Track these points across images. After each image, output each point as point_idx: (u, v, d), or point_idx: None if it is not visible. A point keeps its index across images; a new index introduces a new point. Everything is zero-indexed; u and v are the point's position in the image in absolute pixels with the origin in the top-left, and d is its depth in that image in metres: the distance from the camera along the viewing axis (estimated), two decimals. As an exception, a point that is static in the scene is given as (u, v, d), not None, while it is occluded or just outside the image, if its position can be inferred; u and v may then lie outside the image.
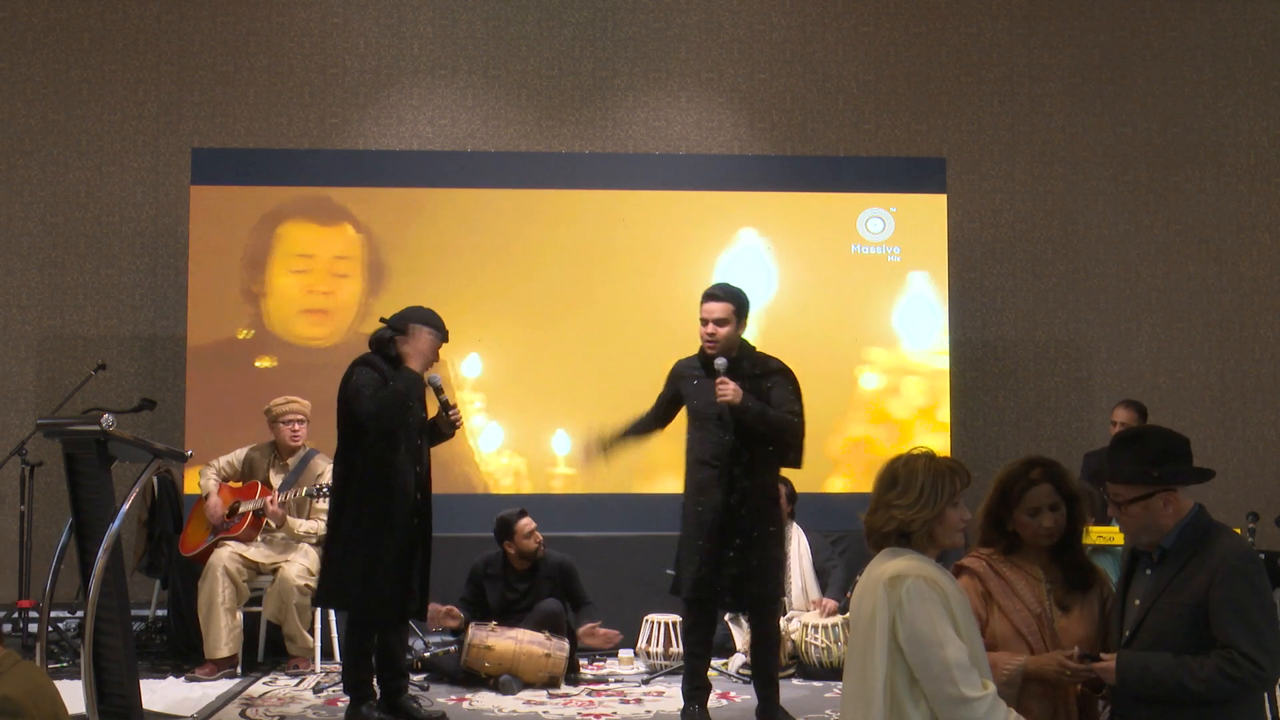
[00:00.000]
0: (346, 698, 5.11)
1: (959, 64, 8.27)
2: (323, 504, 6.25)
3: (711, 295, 4.98)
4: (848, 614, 6.15)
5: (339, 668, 6.08)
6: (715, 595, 4.96)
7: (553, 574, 6.20)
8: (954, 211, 7.68)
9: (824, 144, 8.13)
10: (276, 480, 6.30)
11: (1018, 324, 8.19)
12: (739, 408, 4.82)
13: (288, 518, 6.19)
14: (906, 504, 2.88)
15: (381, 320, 5.11)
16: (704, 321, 4.95)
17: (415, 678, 5.74)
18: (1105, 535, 6.33)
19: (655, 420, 5.22)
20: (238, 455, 6.43)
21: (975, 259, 8.12)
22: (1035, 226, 8.22)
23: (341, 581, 4.94)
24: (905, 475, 2.91)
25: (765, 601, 5.05)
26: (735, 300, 4.97)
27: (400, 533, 4.94)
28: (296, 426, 6.32)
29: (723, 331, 4.93)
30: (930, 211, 7.38)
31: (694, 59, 8.17)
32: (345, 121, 8.05)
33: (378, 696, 5.08)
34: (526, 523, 6.13)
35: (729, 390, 4.80)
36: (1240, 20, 8.34)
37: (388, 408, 4.84)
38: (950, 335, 7.43)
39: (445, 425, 5.17)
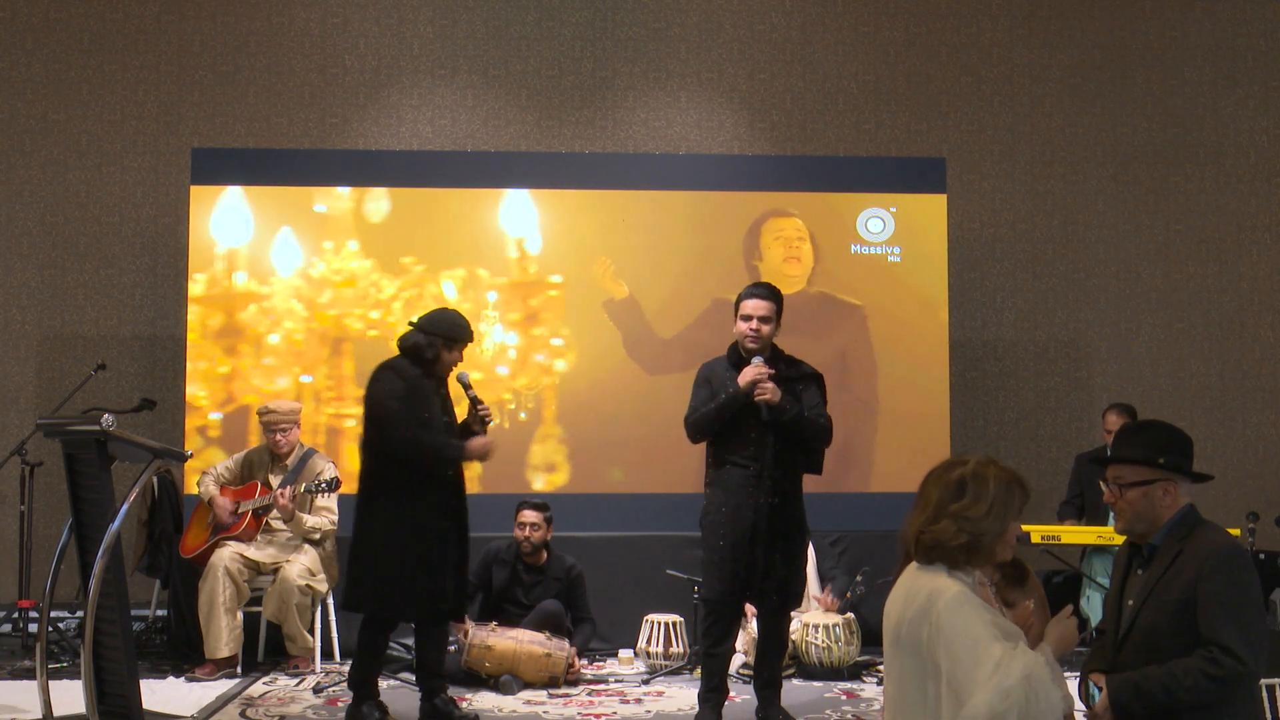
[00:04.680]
0: (345, 698, 5.10)
1: (959, 64, 8.27)
2: (323, 500, 6.27)
3: (756, 294, 4.98)
4: (848, 614, 6.17)
5: (339, 668, 6.10)
6: (761, 597, 4.95)
7: (561, 576, 6.25)
8: (954, 211, 7.68)
9: (824, 144, 8.13)
10: (275, 481, 6.30)
11: (1017, 324, 8.19)
12: (777, 407, 4.82)
13: (296, 512, 6.18)
14: (979, 515, 2.67)
15: (411, 324, 5.13)
16: (747, 318, 4.94)
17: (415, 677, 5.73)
18: (1104, 535, 6.34)
19: None
20: (235, 459, 6.44)
21: (975, 259, 8.12)
22: (1035, 226, 8.22)
23: (372, 584, 4.93)
24: (975, 484, 2.69)
25: (797, 603, 5.10)
26: (778, 300, 5.00)
27: (433, 534, 4.94)
28: (278, 437, 6.31)
29: (766, 329, 4.93)
30: (930, 211, 7.38)
31: (694, 59, 8.17)
32: (345, 121, 8.05)
33: (379, 697, 5.08)
34: (525, 514, 6.20)
35: (769, 389, 4.80)
36: (1240, 20, 8.34)
37: (416, 452, 4.91)
38: (950, 335, 7.42)
39: (476, 423, 5.17)
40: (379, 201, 7.25)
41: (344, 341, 7.15)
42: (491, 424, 5.24)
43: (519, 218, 7.29)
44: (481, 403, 5.18)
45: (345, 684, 5.72)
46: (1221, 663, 2.81)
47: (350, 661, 6.24)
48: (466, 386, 5.16)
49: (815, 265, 7.32)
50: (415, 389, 4.95)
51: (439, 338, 5.02)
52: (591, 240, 7.30)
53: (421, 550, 4.91)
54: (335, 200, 7.22)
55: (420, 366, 5.00)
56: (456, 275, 7.21)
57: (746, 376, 4.83)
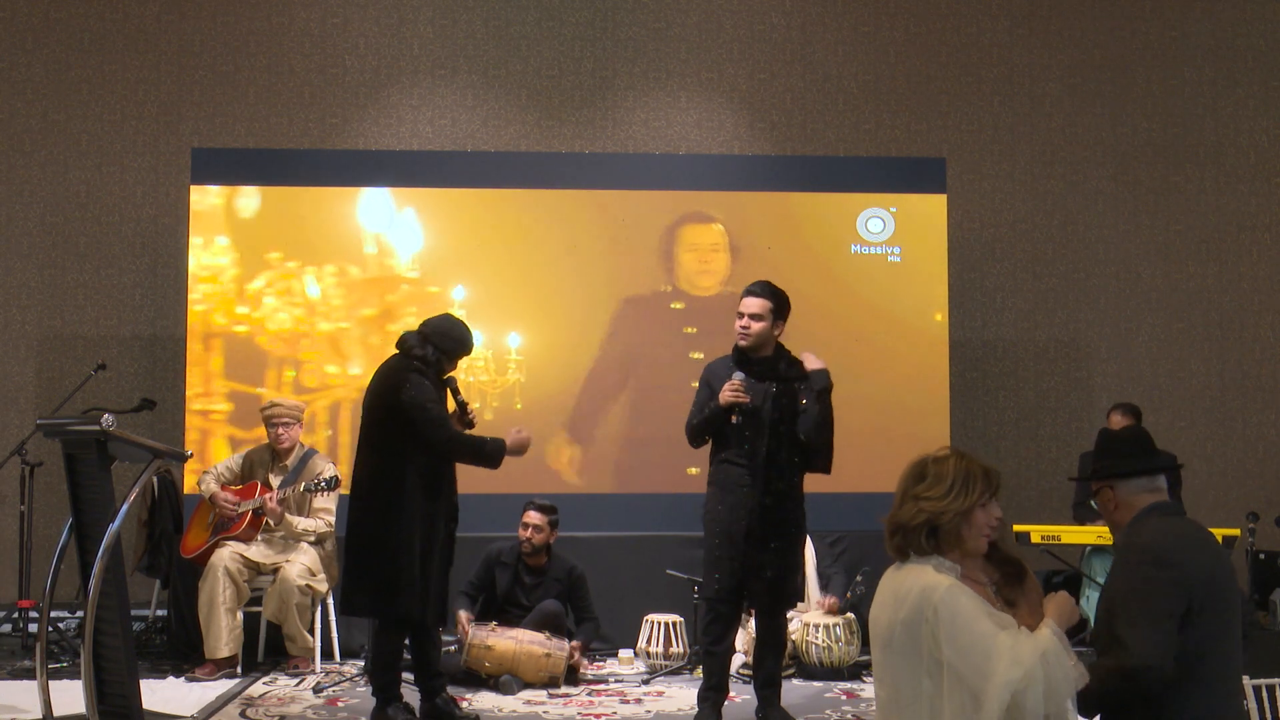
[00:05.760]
0: (345, 698, 5.09)
1: (959, 64, 8.27)
2: (321, 501, 6.27)
3: (751, 291, 5.04)
4: (848, 614, 6.17)
5: (339, 668, 6.10)
6: (751, 596, 4.97)
7: (562, 577, 6.23)
8: (954, 211, 7.68)
9: (824, 144, 8.14)
10: (275, 481, 6.30)
11: (1018, 324, 8.19)
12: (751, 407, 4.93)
13: (286, 515, 6.18)
14: (937, 495, 2.75)
15: (422, 331, 5.13)
16: (740, 315, 5.01)
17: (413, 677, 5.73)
18: (1104, 535, 6.35)
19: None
20: (235, 459, 6.44)
21: (975, 259, 8.12)
22: (1035, 226, 8.22)
23: (394, 588, 4.89)
24: (935, 470, 2.79)
25: (793, 602, 5.12)
26: (774, 299, 5.03)
27: (445, 538, 5.03)
28: (281, 430, 6.31)
29: (757, 326, 4.97)
30: (930, 211, 7.38)
31: (694, 59, 8.17)
32: (345, 121, 8.05)
33: (403, 698, 5.08)
34: (530, 515, 6.18)
35: (738, 394, 4.87)
36: (1240, 20, 8.34)
37: (460, 451, 5.02)
38: (950, 335, 7.42)
39: (462, 424, 5.20)
40: (383, 201, 7.26)
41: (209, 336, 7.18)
42: (474, 427, 5.28)
43: (514, 218, 7.30)
44: (469, 406, 5.24)
45: (345, 684, 5.74)
46: (1116, 655, 2.81)
47: (349, 661, 6.28)
48: (455, 391, 5.21)
49: (732, 269, 7.29)
50: (440, 393, 5.06)
51: (446, 350, 5.09)
52: (591, 239, 7.29)
53: (448, 554, 5.03)
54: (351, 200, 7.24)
55: (427, 370, 5.05)
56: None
57: (725, 398, 4.91)
